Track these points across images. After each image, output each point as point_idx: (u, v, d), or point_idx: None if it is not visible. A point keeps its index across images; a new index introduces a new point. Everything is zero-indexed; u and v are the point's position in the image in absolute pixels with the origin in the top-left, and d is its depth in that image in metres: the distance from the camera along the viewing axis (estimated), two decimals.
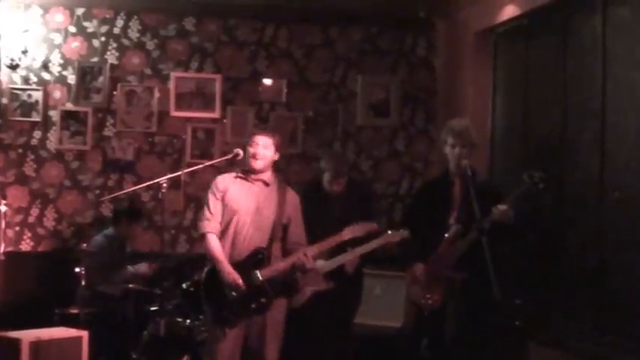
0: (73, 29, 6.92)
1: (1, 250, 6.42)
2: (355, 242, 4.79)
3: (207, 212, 4.46)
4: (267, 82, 7.08)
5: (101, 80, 6.90)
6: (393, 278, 6.02)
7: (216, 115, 6.96)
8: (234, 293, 4.27)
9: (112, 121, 6.92)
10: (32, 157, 6.84)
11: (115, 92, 6.92)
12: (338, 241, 4.53)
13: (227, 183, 4.51)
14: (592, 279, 4.59)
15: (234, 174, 4.55)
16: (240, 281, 4.28)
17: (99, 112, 6.92)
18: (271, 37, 7.10)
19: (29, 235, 6.80)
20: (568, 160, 4.90)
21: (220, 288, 4.30)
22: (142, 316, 5.52)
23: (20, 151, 6.83)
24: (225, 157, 4.36)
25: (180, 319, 5.34)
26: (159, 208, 5.52)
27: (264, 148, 4.46)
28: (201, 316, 5.07)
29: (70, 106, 6.88)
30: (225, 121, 6.94)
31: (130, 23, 6.98)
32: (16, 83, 6.81)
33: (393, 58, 7.17)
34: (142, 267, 6.02)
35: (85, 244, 6.04)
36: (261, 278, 4.31)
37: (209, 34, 7.05)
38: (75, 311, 5.60)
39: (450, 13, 6.59)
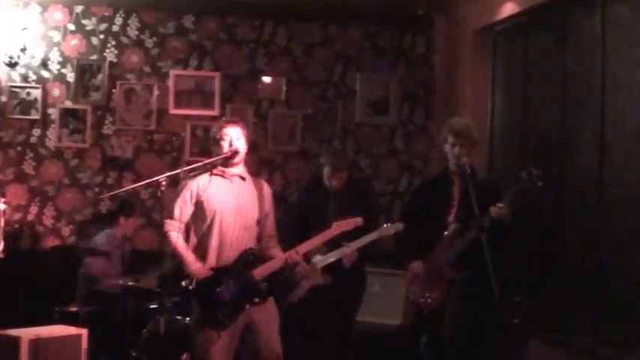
0: (72, 27, 6.92)
1: (1, 248, 6.41)
2: (352, 237, 4.81)
3: (172, 211, 4.26)
4: (267, 79, 7.08)
5: (100, 78, 6.90)
6: (392, 276, 6.03)
7: (215, 112, 6.96)
8: (193, 284, 4.13)
9: (111, 118, 6.92)
10: (31, 154, 6.84)
11: (114, 90, 6.92)
12: (328, 237, 4.50)
13: (203, 183, 4.27)
14: (591, 277, 4.59)
15: (208, 173, 4.32)
16: (204, 270, 4.13)
17: (98, 110, 6.92)
18: (270, 35, 7.10)
19: (28, 232, 6.80)
20: (567, 158, 4.90)
21: (211, 290, 4.16)
22: (142, 313, 5.52)
23: (19, 149, 6.83)
24: (224, 155, 4.32)
25: (179, 317, 5.33)
26: (158, 205, 5.52)
27: (237, 139, 4.25)
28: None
29: (69, 103, 6.89)
30: (224, 118, 6.93)
31: (129, 21, 6.98)
32: (15, 81, 6.81)
33: (392, 56, 7.17)
34: (149, 281, 5.74)
35: (84, 242, 6.04)
36: (257, 279, 4.24)
37: (208, 32, 7.05)
38: (74, 309, 5.61)
39: (449, 10, 6.59)
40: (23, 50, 6.73)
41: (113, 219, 6.30)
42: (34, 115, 6.81)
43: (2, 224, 6.43)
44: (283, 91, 7.06)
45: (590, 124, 4.65)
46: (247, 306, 4.20)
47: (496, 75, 6.01)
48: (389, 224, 4.89)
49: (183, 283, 4.27)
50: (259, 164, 6.92)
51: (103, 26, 6.95)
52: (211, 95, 6.98)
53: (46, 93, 6.85)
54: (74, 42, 6.91)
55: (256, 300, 4.22)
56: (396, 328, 5.94)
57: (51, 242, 6.81)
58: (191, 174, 4.36)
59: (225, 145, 4.25)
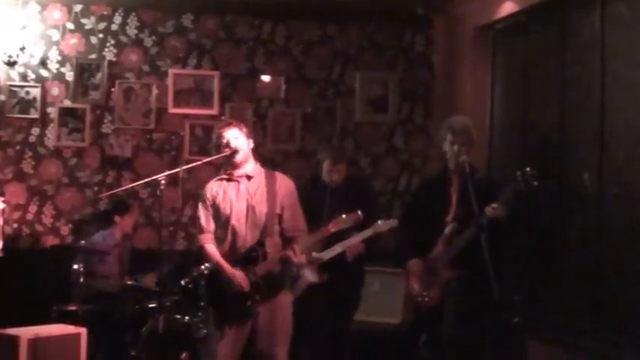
0: (70, 26, 6.91)
1: (0, 247, 6.40)
2: (348, 234, 4.80)
3: (200, 225, 4.41)
4: (266, 78, 7.07)
5: (99, 77, 6.89)
6: (391, 275, 6.03)
7: (214, 111, 6.95)
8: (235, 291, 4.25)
9: (110, 117, 6.91)
10: (30, 154, 6.84)
11: (113, 89, 6.91)
12: (325, 234, 4.51)
13: (215, 189, 4.40)
14: (591, 275, 4.59)
15: (218, 178, 4.46)
16: (243, 279, 4.23)
17: (97, 109, 6.91)
18: (269, 34, 7.09)
19: (27, 232, 6.80)
20: (567, 157, 4.90)
21: (220, 288, 4.27)
22: (141, 312, 5.52)
23: (18, 147, 6.82)
24: (224, 154, 4.34)
25: (178, 316, 5.33)
26: (157, 204, 5.51)
27: (235, 139, 4.34)
28: (199, 313, 5.06)
29: (68, 102, 6.88)
30: (223, 117, 6.93)
31: (128, 20, 6.97)
32: (13, 80, 6.80)
33: (392, 55, 7.16)
34: (149, 280, 5.91)
35: (83, 241, 6.03)
36: (257, 275, 4.27)
37: (207, 31, 7.04)
38: (73, 308, 5.59)
39: (448, 9, 6.58)
40: (22, 49, 6.72)
41: (108, 218, 6.28)
42: (33, 114, 6.80)
43: (1, 223, 6.42)
44: (282, 90, 7.05)
45: (590, 123, 4.65)
46: (249, 303, 4.23)
47: (495, 74, 6.00)
48: (383, 221, 4.91)
49: (202, 267, 4.33)
50: (259, 163, 6.89)
51: (102, 25, 6.94)
52: (210, 94, 6.97)
53: (45, 92, 6.84)
54: (73, 41, 6.91)
55: (257, 297, 4.25)
56: (395, 327, 5.94)
57: (50, 241, 6.80)
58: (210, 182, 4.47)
59: (223, 148, 4.35)
